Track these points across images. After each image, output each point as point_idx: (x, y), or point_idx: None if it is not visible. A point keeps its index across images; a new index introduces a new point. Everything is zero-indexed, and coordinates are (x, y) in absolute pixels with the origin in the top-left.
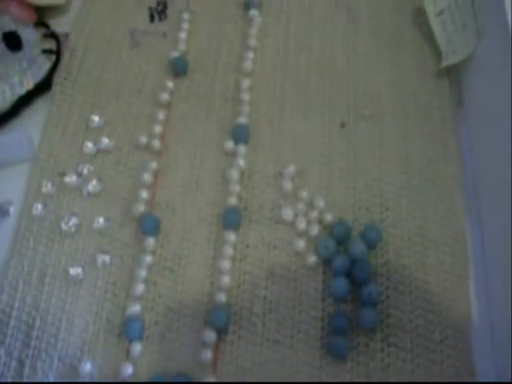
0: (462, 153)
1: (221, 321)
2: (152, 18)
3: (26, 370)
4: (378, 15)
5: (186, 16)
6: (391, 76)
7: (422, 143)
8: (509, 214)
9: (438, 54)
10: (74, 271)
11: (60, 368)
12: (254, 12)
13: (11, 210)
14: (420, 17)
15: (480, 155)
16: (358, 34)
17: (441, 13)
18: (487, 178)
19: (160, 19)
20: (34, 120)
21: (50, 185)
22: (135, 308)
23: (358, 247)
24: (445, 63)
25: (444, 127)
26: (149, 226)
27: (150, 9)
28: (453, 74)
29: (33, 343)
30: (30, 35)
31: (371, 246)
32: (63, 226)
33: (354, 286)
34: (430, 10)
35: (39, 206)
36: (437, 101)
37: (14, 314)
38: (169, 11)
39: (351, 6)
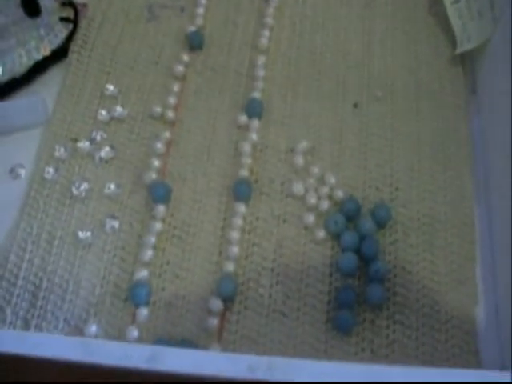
0: (473, 139)
1: (228, 290)
2: None
3: (32, 330)
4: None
5: None
6: (405, 60)
7: (434, 128)
8: None
9: (452, 41)
10: (83, 235)
11: (65, 329)
12: None
13: (22, 173)
14: (435, 3)
15: (491, 142)
16: (374, 17)
17: (457, 0)
18: (497, 164)
19: None
20: (48, 86)
21: (62, 149)
22: (143, 273)
23: (367, 224)
24: (459, 50)
25: (456, 113)
26: (159, 193)
27: None
28: (467, 62)
29: (39, 303)
30: (48, 2)
31: (380, 224)
32: (74, 191)
33: (361, 262)
34: None
35: (51, 170)
36: (450, 87)
37: (22, 274)
38: None
39: None
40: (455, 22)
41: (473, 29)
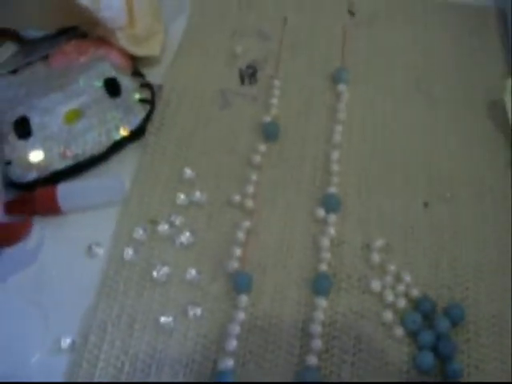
0: None
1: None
2: (242, 80)
3: None
4: (456, 102)
5: (276, 83)
6: (468, 162)
7: (499, 229)
8: None
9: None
10: (165, 320)
11: None
12: (342, 87)
13: (100, 252)
14: (495, 108)
15: None
16: (437, 119)
17: None
18: None
19: (250, 82)
20: (124, 164)
21: (141, 231)
22: (228, 363)
23: (443, 324)
24: None
25: None
26: (242, 283)
27: (241, 71)
28: None
29: None
30: (128, 83)
31: (454, 323)
32: (155, 274)
33: (437, 359)
34: (509, 105)
35: (130, 251)
36: (510, 189)
37: (102, 356)
38: (258, 75)
39: (430, 91)
40: None
41: None
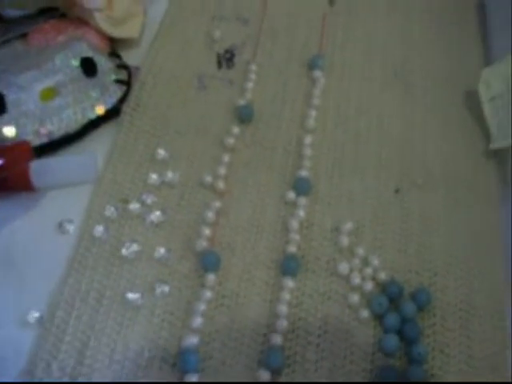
0: (505, 230)
1: (277, 362)
2: (220, 64)
3: None
4: (433, 91)
5: (253, 67)
6: (443, 150)
7: (469, 218)
8: None
9: (487, 134)
10: (132, 297)
11: None
12: (318, 73)
13: (71, 228)
14: (471, 98)
15: None
16: (414, 106)
17: (493, 98)
18: None
19: (228, 67)
20: (98, 143)
21: (112, 209)
22: (192, 340)
23: (409, 307)
24: (494, 146)
25: (489, 204)
26: (210, 262)
27: (218, 55)
28: (500, 154)
29: (87, 361)
30: (104, 63)
31: (420, 307)
32: (124, 252)
33: (402, 343)
34: (483, 95)
35: (100, 229)
36: (484, 179)
37: (70, 330)
38: (236, 60)
39: (408, 79)
40: (490, 119)
41: (508, 127)
